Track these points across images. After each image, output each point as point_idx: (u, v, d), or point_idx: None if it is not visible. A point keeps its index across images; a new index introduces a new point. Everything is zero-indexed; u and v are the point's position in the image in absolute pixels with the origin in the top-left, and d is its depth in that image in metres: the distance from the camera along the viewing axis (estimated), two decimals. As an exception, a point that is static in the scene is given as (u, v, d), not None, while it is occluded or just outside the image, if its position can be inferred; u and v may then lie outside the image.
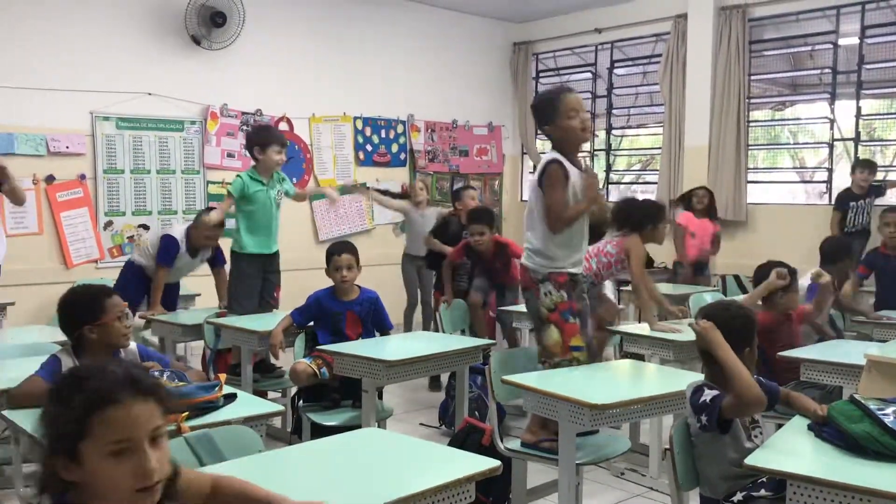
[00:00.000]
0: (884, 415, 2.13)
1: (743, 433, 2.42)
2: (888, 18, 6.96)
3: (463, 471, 2.05)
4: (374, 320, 4.17)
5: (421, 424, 5.00)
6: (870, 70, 7.11)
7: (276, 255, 5.16)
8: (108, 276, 6.01)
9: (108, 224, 6.67)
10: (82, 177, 6.52)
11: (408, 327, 6.56)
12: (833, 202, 6.84)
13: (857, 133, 7.14)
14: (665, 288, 6.35)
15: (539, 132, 9.27)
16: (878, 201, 6.63)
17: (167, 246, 5.19)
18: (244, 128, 7.25)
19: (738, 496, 2.35)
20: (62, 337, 3.16)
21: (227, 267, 5.16)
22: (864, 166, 6.62)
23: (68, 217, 6.45)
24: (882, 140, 8.01)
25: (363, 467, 2.12)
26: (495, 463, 2.12)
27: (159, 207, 6.93)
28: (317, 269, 7.34)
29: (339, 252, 4.12)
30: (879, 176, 6.94)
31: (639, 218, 4.44)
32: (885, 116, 7.77)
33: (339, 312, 4.08)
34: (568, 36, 9.03)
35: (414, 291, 6.63)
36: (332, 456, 2.20)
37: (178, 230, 5.33)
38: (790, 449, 2.25)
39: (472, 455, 2.27)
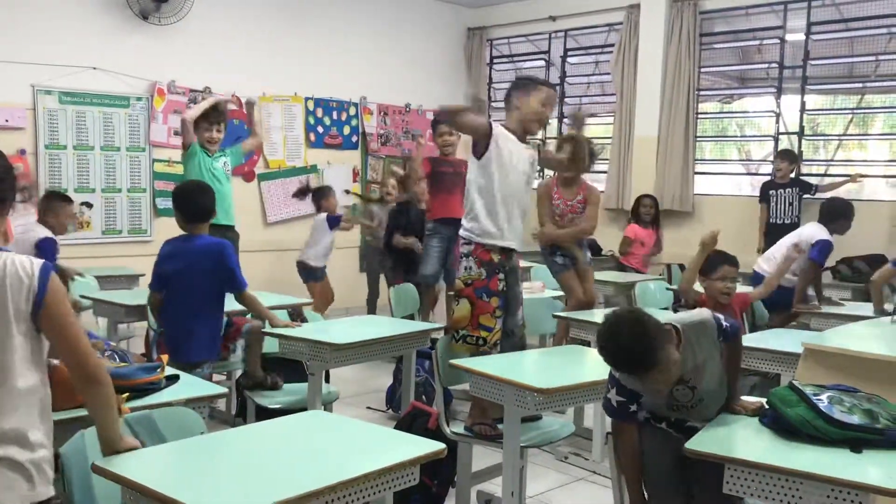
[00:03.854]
0: (818, 399, 2.19)
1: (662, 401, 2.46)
2: (833, 16, 7.12)
3: (407, 454, 2.05)
4: None
5: (368, 408, 5.00)
6: (814, 66, 7.26)
7: (228, 229, 5.14)
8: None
9: (50, 201, 6.49)
10: (22, 152, 6.32)
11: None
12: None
13: (802, 127, 7.30)
14: (612, 276, 6.43)
15: (492, 112, 9.34)
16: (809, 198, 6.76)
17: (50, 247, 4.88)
18: (191, 105, 7.11)
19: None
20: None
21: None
22: (781, 157, 6.84)
23: (7, 193, 6.25)
24: (825, 135, 8.20)
25: (307, 450, 2.11)
26: (440, 446, 2.12)
27: (103, 185, 6.77)
28: (266, 252, 7.36)
29: None
30: (821, 169, 7.10)
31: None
32: (828, 112, 7.95)
33: None
34: (522, 23, 9.04)
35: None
36: (276, 438, 2.18)
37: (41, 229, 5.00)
38: (729, 433, 2.30)
39: (416, 438, 2.28)
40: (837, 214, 5.17)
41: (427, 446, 2.13)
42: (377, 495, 1.97)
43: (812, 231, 5.10)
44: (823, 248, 4.97)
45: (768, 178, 7.06)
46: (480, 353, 3.42)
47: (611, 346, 2.26)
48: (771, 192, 6.79)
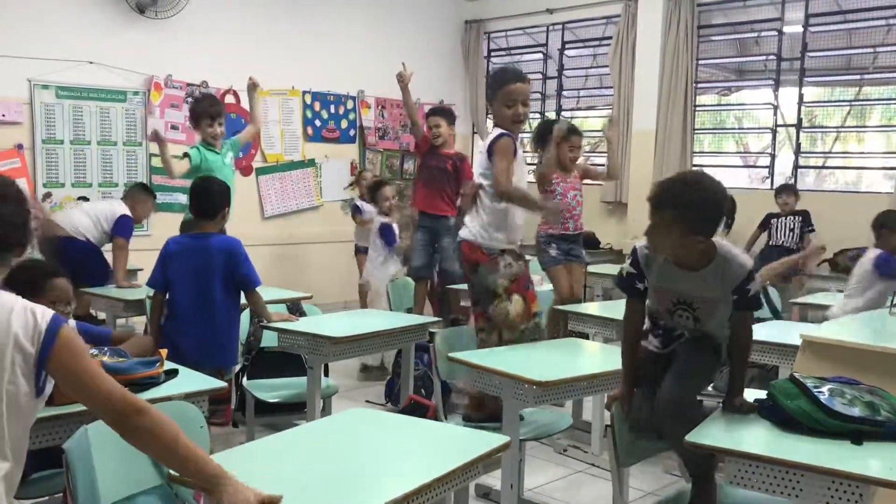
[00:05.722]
0: (819, 392, 2.19)
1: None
2: (831, 7, 7.11)
3: (477, 450, 2.06)
4: None
5: (367, 402, 5.00)
6: (812, 58, 7.26)
7: None
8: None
9: (47, 196, 6.48)
10: (20, 146, 6.31)
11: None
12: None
13: (799, 119, 7.29)
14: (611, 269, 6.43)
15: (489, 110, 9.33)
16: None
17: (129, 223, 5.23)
18: (189, 99, 7.10)
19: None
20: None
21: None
22: (786, 192, 6.74)
23: (4, 188, 6.24)
24: (822, 127, 8.20)
25: (379, 450, 2.09)
26: (504, 439, 2.12)
27: (100, 180, 6.76)
28: (263, 246, 7.35)
29: None
30: (819, 161, 7.05)
31: None
32: (826, 104, 7.95)
33: None
34: (520, 15, 9.02)
35: None
36: (338, 441, 2.17)
37: (122, 207, 5.33)
38: (730, 426, 2.30)
39: (477, 432, 2.28)
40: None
41: (494, 441, 2.13)
42: (441, 495, 1.95)
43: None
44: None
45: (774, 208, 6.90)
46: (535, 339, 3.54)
47: (690, 186, 2.33)
48: (773, 220, 6.76)
